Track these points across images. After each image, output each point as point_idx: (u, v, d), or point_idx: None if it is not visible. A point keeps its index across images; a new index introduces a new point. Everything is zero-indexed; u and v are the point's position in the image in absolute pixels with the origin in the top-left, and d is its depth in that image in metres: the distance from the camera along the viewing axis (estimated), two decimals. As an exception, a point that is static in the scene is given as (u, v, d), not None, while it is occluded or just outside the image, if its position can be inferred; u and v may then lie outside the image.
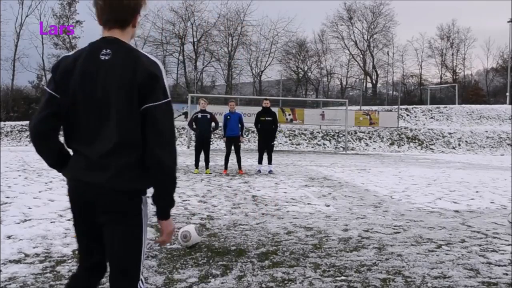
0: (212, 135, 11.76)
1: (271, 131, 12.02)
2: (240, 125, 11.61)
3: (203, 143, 11.43)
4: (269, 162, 12.03)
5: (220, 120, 12.01)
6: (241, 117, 11.76)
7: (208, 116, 11.39)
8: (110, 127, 1.87)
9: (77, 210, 1.98)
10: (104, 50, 1.89)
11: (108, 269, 2.03)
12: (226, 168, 11.64)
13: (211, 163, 12.42)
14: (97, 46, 1.93)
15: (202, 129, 11.34)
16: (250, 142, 24.55)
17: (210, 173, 11.32)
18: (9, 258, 4.00)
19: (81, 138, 1.92)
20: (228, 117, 11.56)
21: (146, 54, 1.94)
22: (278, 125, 13.40)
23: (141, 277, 2.02)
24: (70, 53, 2.00)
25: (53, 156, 2.00)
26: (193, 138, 12.99)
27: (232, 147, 11.68)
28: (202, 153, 11.46)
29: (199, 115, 11.38)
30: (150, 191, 1.98)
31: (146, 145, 1.87)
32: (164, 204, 1.96)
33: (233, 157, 11.95)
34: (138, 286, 2.00)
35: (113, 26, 1.95)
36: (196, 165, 11.57)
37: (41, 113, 1.93)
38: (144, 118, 1.86)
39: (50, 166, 2.05)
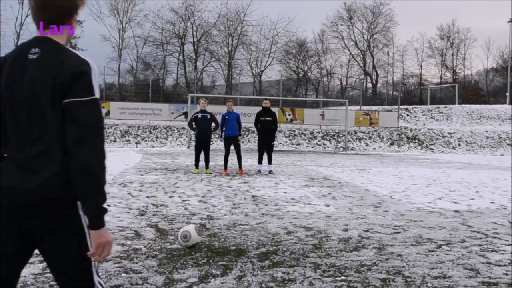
0: (212, 135, 11.77)
1: (271, 131, 12.03)
2: (238, 125, 11.62)
3: (203, 143, 11.44)
4: (269, 162, 12.03)
5: (219, 119, 12.00)
6: (239, 117, 11.78)
7: (208, 116, 11.39)
8: (39, 128, 1.79)
9: (4, 216, 1.82)
10: (33, 49, 1.84)
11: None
12: (226, 168, 11.65)
13: (211, 163, 12.42)
14: (27, 45, 1.87)
15: (202, 129, 11.34)
16: (250, 142, 24.56)
17: (210, 173, 11.32)
18: (9, 258, 4.00)
19: (11, 141, 1.83)
20: (226, 117, 11.57)
21: (77, 53, 1.86)
22: (278, 125, 13.39)
23: (97, 279, 1.93)
24: (3, 54, 1.95)
25: None
26: (193, 138, 12.99)
27: (232, 147, 11.69)
28: (202, 153, 11.47)
29: (199, 115, 11.38)
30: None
31: (66, 143, 1.76)
32: (90, 211, 1.78)
33: (233, 157, 11.96)
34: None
35: (47, 26, 1.89)
36: (196, 165, 11.58)
37: None
38: (65, 115, 1.77)
39: None
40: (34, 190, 1.77)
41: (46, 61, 1.82)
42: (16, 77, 1.83)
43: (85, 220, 1.86)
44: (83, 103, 1.78)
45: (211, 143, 12.28)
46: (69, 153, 1.77)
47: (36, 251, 1.93)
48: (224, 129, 11.70)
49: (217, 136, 11.99)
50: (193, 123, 11.49)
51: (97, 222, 1.80)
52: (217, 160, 14.74)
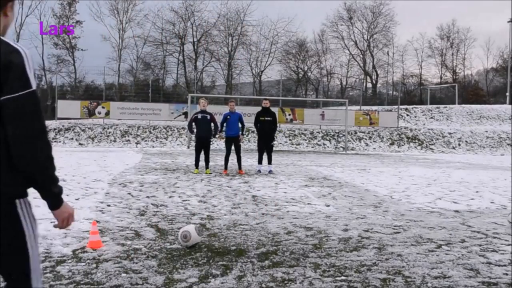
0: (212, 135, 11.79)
1: (271, 131, 12.02)
2: (240, 125, 11.65)
3: (203, 143, 11.44)
4: (269, 162, 12.03)
5: (219, 120, 12.04)
6: (241, 117, 11.79)
7: (208, 117, 11.39)
8: None
9: None
10: None
11: None
12: (226, 168, 11.65)
13: (211, 163, 12.42)
14: None
15: (203, 130, 11.34)
16: (250, 142, 24.56)
17: (210, 173, 11.32)
18: (9, 258, 4.00)
19: None
20: (228, 116, 11.59)
21: (9, 41, 1.78)
22: (278, 125, 13.39)
23: (35, 285, 1.90)
24: None
25: None
26: (193, 138, 13.00)
27: (232, 147, 11.70)
28: (202, 153, 11.47)
29: (199, 116, 11.37)
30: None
31: (7, 140, 1.74)
32: (46, 197, 1.87)
33: (233, 157, 11.97)
34: None
35: None
36: (196, 165, 11.58)
37: None
38: (1, 112, 1.72)
39: None
40: None
41: None
42: None
43: (26, 218, 1.86)
44: (19, 99, 1.72)
45: (211, 143, 12.29)
46: (12, 150, 1.74)
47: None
48: (225, 129, 11.72)
49: (217, 136, 11.97)
50: (193, 124, 11.49)
51: (56, 203, 1.91)
52: (217, 160, 14.74)
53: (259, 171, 11.95)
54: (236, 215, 6.32)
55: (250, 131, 24.70)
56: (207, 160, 11.47)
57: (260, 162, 12.16)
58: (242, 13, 44.33)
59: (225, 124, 11.74)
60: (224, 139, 11.90)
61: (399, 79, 50.96)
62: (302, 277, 3.73)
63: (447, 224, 5.99)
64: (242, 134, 11.77)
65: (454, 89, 41.60)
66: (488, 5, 66.93)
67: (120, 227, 5.40)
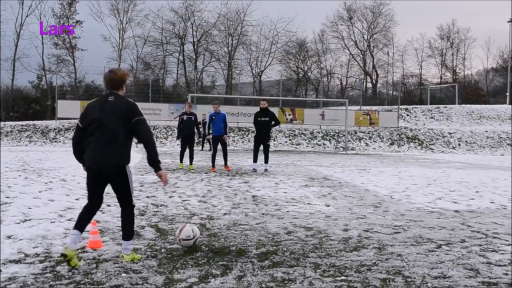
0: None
1: (267, 131, 12.21)
2: (224, 125, 11.84)
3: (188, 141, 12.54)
4: (266, 161, 12.14)
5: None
6: (225, 118, 12.08)
7: (193, 118, 12.46)
8: None
9: None
10: None
11: None
12: (213, 166, 12.00)
13: (208, 163, 12.45)
14: None
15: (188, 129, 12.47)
16: (250, 142, 24.55)
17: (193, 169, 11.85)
18: (9, 258, 4.00)
19: None
20: (213, 117, 11.84)
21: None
22: (279, 126, 13.46)
23: None
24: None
25: None
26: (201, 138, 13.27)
27: (219, 146, 11.99)
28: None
29: (185, 117, 12.37)
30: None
31: None
32: None
33: (220, 154, 12.34)
34: None
35: None
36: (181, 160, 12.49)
37: None
38: None
39: None
40: None
41: None
42: None
43: None
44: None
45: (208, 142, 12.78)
46: None
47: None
48: (212, 129, 12.22)
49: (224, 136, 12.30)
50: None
51: None
52: (217, 160, 14.71)
53: (254, 169, 12.01)
54: (236, 215, 6.32)
55: (250, 131, 24.69)
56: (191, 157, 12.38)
57: (254, 160, 12.25)
58: (242, 13, 44.40)
59: (211, 125, 12.08)
60: (211, 139, 12.39)
61: (399, 79, 51.04)
62: (302, 277, 3.73)
63: (447, 224, 5.98)
64: (226, 133, 11.96)
65: (454, 89, 41.63)
66: (488, 5, 66.95)
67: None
